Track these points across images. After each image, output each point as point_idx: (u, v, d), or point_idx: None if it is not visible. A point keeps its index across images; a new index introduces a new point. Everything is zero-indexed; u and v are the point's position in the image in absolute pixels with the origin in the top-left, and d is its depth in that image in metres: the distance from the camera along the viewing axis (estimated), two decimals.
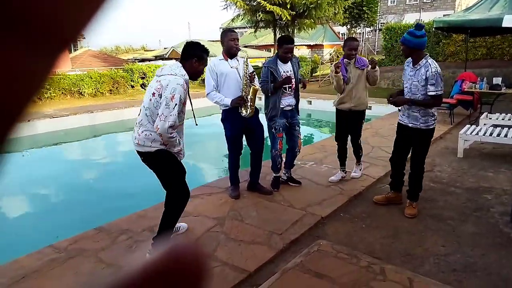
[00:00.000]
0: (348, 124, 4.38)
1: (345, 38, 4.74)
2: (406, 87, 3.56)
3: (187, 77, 2.73)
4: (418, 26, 3.39)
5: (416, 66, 3.43)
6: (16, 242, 4.03)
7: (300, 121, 4.28)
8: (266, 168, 4.61)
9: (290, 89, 4.01)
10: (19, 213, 5.19)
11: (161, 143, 2.70)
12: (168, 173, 2.85)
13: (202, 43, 2.85)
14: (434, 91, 3.34)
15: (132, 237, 3.22)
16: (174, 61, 2.91)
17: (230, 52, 3.75)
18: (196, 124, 3.08)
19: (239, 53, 3.85)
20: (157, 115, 2.63)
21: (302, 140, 4.41)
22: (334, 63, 4.31)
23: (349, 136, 4.49)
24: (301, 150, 5.03)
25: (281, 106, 3.99)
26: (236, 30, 4.05)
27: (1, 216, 5.10)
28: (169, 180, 2.88)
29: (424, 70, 3.36)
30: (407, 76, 3.56)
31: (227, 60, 3.76)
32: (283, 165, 4.36)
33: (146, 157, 2.79)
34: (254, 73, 3.75)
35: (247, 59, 3.73)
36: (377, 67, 4.13)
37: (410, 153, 3.71)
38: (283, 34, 19.24)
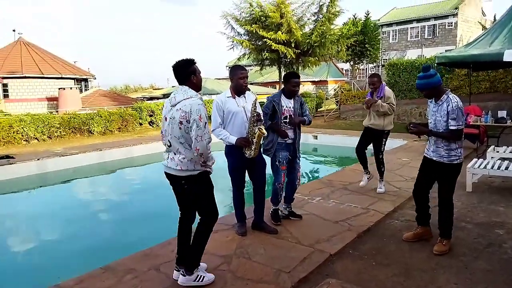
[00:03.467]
0: (368, 139, 5.50)
1: (370, 74, 6.20)
2: (430, 122, 3.63)
3: (199, 95, 2.87)
4: (424, 68, 3.51)
5: (438, 102, 3.52)
6: (22, 281, 3.99)
7: (303, 155, 4.34)
8: (267, 202, 4.59)
9: (288, 124, 4.12)
10: (25, 251, 5.16)
11: (201, 164, 2.84)
12: (207, 195, 2.98)
13: (184, 59, 2.90)
14: (455, 126, 3.40)
15: (138, 276, 3.18)
16: (177, 88, 2.98)
17: (239, 90, 3.78)
18: None
19: (248, 92, 3.89)
20: (190, 139, 2.76)
21: (301, 173, 4.46)
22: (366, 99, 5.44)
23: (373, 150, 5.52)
24: (308, 185, 5.02)
25: (281, 140, 4.09)
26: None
27: (7, 254, 5.08)
28: (207, 202, 2.99)
29: (446, 105, 3.45)
30: (430, 111, 3.64)
31: (234, 98, 3.78)
32: (283, 199, 4.35)
33: (188, 180, 2.87)
34: (261, 115, 3.77)
35: (256, 100, 3.71)
36: (378, 102, 5.20)
37: (438, 189, 3.69)
38: (288, 71, 19.74)
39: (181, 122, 2.75)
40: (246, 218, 4.14)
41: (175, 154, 2.86)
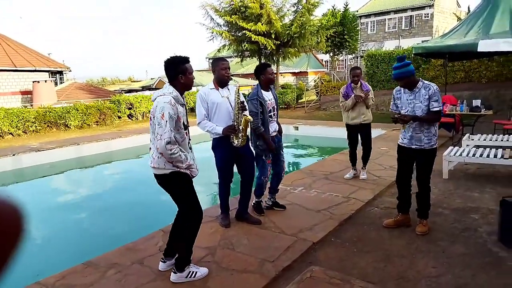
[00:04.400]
0: (361, 135, 5.58)
1: (351, 67, 6.07)
2: (406, 111, 3.72)
3: (175, 93, 2.77)
4: (399, 58, 3.65)
5: (414, 90, 3.64)
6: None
7: (284, 146, 4.38)
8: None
9: (274, 116, 4.15)
10: None
11: (172, 164, 2.75)
12: (181, 195, 2.92)
13: (177, 56, 2.83)
14: (437, 107, 3.57)
15: (121, 271, 3.15)
16: (151, 82, 2.94)
17: (222, 81, 3.78)
18: None
19: (230, 82, 3.90)
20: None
21: (286, 164, 4.51)
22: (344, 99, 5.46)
23: (362, 145, 5.63)
24: (290, 176, 5.05)
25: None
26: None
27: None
28: (183, 202, 2.94)
29: (425, 91, 3.59)
30: (405, 101, 3.73)
31: (218, 89, 3.77)
32: (267, 189, 4.39)
33: (161, 179, 2.84)
34: (245, 103, 3.79)
35: (238, 89, 3.73)
36: (370, 96, 5.37)
37: (415, 173, 3.85)
38: (272, 68, 19.75)
39: (150, 118, 2.78)
40: (230, 210, 4.15)
41: (153, 151, 2.82)
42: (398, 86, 3.81)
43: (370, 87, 5.47)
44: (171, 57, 2.82)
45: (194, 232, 2.99)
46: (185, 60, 2.82)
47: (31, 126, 13.16)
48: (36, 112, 13.53)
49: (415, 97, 3.65)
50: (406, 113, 3.73)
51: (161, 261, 3.12)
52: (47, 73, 22.86)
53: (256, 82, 4.29)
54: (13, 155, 9.12)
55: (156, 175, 2.86)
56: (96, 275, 3.09)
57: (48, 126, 13.69)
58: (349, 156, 5.78)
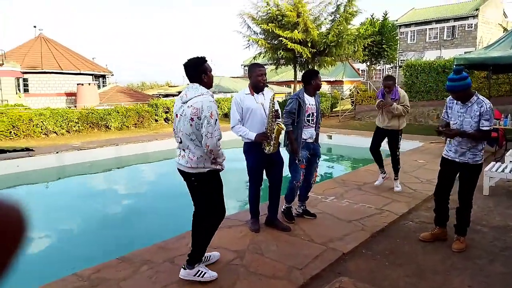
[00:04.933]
0: (381, 138, 5.61)
1: (384, 76, 6.01)
2: (455, 123, 3.61)
3: (210, 92, 2.88)
4: (457, 71, 3.48)
5: (467, 103, 3.50)
6: (41, 269, 4.11)
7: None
8: (281, 200, 4.61)
9: (312, 122, 4.13)
10: (44, 242, 5.30)
11: (211, 162, 2.86)
12: (216, 193, 2.99)
13: (196, 57, 2.89)
14: (487, 126, 3.44)
15: (153, 267, 3.25)
16: (188, 85, 2.99)
17: (257, 87, 3.82)
18: None
19: (266, 88, 3.93)
20: (201, 136, 2.78)
21: (317, 173, 4.47)
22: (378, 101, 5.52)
23: (390, 152, 5.64)
24: (321, 185, 5.00)
25: (303, 137, 4.08)
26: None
27: (27, 244, 5.22)
28: (214, 200, 2.99)
29: (477, 107, 3.45)
30: (455, 113, 3.61)
31: (253, 95, 3.82)
32: (297, 197, 4.37)
33: (198, 177, 2.90)
34: (279, 111, 3.80)
35: (273, 97, 3.76)
36: (394, 105, 5.25)
37: (458, 188, 3.72)
38: (304, 70, 19.65)
39: (192, 119, 2.77)
40: (260, 215, 4.17)
41: (185, 151, 2.88)
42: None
43: (400, 95, 5.37)
44: (190, 58, 2.88)
45: (213, 231, 3.04)
46: (204, 60, 2.89)
47: (74, 126, 13.82)
48: (79, 113, 14.22)
49: (466, 111, 3.50)
50: (454, 125, 3.60)
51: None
52: (91, 77, 23.99)
53: (290, 90, 4.31)
54: (57, 152, 9.61)
55: (192, 174, 2.90)
56: (129, 270, 3.20)
57: (90, 126, 14.33)
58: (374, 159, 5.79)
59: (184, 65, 2.88)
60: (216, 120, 2.76)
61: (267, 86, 3.93)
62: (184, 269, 3.00)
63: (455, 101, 3.61)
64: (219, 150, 2.83)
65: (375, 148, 5.66)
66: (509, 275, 3.14)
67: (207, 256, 3.24)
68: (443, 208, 3.84)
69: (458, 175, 3.71)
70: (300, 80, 4.21)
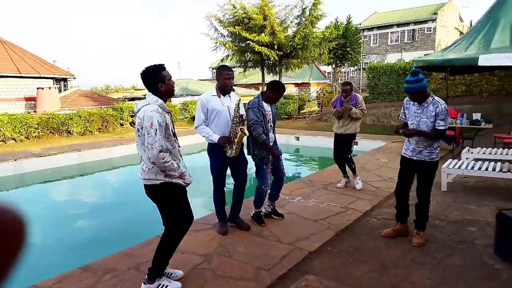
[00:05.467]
0: (342, 144, 5.68)
1: (342, 82, 6.29)
2: (412, 123, 3.75)
3: (160, 101, 2.75)
4: (414, 72, 3.60)
5: (423, 104, 3.64)
6: None
7: (285, 156, 4.41)
8: (251, 203, 4.63)
9: (271, 127, 4.20)
10: None
11: (164, 174, 2.72)
12: (170, 207, 2.85)
13: (152, 66, 2.78)
14: (443, 126, 3.59)
15: (117, 276, 3.17)
16: (146, 93, 2.90)
17: (224, 90, 3.83)
18: None
19: (232, 92, 3.94)
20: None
21: (285, 170, 4.51)
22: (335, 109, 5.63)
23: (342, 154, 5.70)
24: (289, 185, 5.05)
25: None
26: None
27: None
28: (168, 215, 2.87)
29: (433, 107, 3.59)
30: (412, 113, 3.75)
31: (219, 97, 3.83)
32: (267, 196, 4.41)
33: (151, 190, 2.80)
34: (244, 116, 3.83)
35: (239, 102, 3.77)
36: (353, 110, 5.44)
37: (416, 184, 3.87)
38: (274, 78, 19.80)
39: (138, 130, 2.72)
40: (227, 217, 4.17)
41: (142, 163, 2.79)
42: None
43: (360, 99, 5.58)
44: (146, 68, 2.77)
45: (176, 244, 2.92)
46: (161, 67, 2.77)
47: (33, 132, 13.25)
48: (39, 118, 13.64)
49: (423, 111, 3.65)
50: (412, 125, 3.75)
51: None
52: (52, 80, 23.07)
53: (258, 92, 4.35)
54: (15, 160, 9.18)
55: (145, 186, 2.82)
56: (92, 279, 3.11)
57: (50, 132, 13.78)
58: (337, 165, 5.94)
59: (140, 74, 2.77)
60: (157, 130, 2.61)
61: (233, 90, 3.95)
62: (145, 283, 2.89)
63: (412, 102, 3.76)
64: (165, 163, 2.65)
65: (337, 155, 5.81)
66: (465, 268, 3.31)
67: (169, 273, 3.08)
68: (404, 205, 3.99)
69: (416, 173, 3.87)
70: (267, 83, 4.21)
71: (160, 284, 2.89)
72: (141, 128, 2.69)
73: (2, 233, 0.27)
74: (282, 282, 3.09)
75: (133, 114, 16.53)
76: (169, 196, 2.81)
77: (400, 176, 3.99)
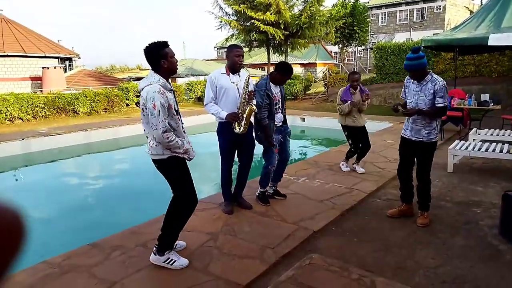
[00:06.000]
0: (360, 136, 5.52)
1: (350, 72, 6.13)
2: (411, 102, 3.74)
3: (162, 80, 2.76)
4: (415, 49, 3.59)
5: (422, 82, 3.62)
6: None
7: (292, 136, 4.42)
8: (256, 183, 4.67)
9: (278, 108, 4.19)
10: None
11: (171, 150, 2.81)
12: (178, 180, 2.96)
13: (156, 42, 2.77)
14: (442, 103, 3.57)
15: (125, 253, 3.23)
16: (149, 71, 2.89)
17: (233, 68, 3.82)
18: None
19: (242, 70, 3.92)
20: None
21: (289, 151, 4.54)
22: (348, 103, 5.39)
23: (362, 146, 5.58)
24: (294, 166, 5.06)
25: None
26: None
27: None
28: (177, 186, 2.97)
29: (431, 85, 3.57)
30: (411, 91, 3.73)
31: (228, 75, 3.83)
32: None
33: (160, 164, 2.88)
34: (254, 92, 3.82)
35: (248, 78, 3.78)
36: (369, 98, 5.31)
37: (416, 166, 3.87)
38: (279, 58, 19.54)
39: (142, 109, 2.76)
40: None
41: (148, 138, 2.87)
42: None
43: (369, 91, 5.45)
44: (149, 43, 2.76)
45: (185, 219, 3.02)
46: (164, 44, 2.77)
47: (40, 112, 13.32)
48: (45, 98, 13.68)
49: (421, 89, 3.64)
50: (410, 103, 3.74)
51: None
52: (57, 60, 23.00)
53: (264, 72, 4.31)
54: (23, 139, 9.26)
55: (154, 160, 2.90)
56: (100, 256, 3.17)
57: (57, 112, 13.84)
58: (351, 153, 5.70)
59: (144, 50, 2.77)
60: (160, 111, 2.65)
61: (243, 66, 3.92)
62: (155, 254, 2.98)
63: (412, 80, 3.73)
64: (170, 142, 2.73)
65: (356, 147, 5.62)
66: (469, 248, 3.33)
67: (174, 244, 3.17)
68: (407, 186, 4.00)
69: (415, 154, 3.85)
70: (273, 63, 4.17)
71: (168, 258, 2.97)
72: (145, 108, 2.72)
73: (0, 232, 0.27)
74: (287, 260, 3.13)
75: (138, 95, 16.52)
76: (178, 170, 2.92)
77: (401, 157, 3.99)
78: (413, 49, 3.62)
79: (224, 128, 3.87)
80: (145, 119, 2.79)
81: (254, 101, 3.85)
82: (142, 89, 2.77)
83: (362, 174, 5.49)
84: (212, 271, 2.92)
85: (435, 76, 3.62)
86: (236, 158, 4.12)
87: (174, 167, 2.90)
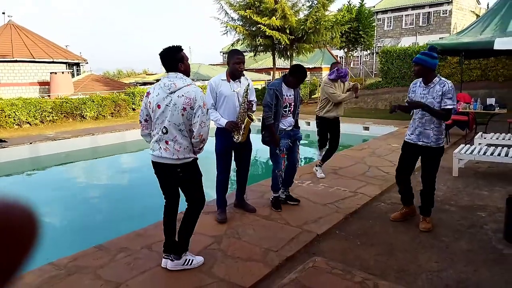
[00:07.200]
0: (333, 130, 5.57)
1: (332, 62, 6.21)
2: None
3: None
4: (433, 48, 3.59)
5: (429, 84, 3.61)
6: None
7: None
8: (265, 187, 4.70)
9: (289, 112, 4.16)
10: None
11: (193, 151, 2.92)
12: (199, 181, 3.03)
13: (172, 46, 2.87)
14: (451, 105, 3.52)
15: (131, 255, 3.27)
16: (165, 75, 2.93)
17: (234, 74, 3.81)
18: None
19: (243, 77, 3.89)
20: (190, 125, 2.80)
21: (300, 155, 4.53)
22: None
23: (332, 141, 5.59)
24: (299, 170, 5.07)
25: (282, 127, 4.11)
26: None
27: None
28: (199, 188, 3.03)
29: (440, 87, 3.55)
30: (418, 95, 3.69)
31: (229, 82, 3.81)
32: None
33: (183, 168, 2.89)
34: (253, 102, 3.78)
35: (247, 88, 3.73)
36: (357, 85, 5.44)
37: (421, 170, 3.86)
38: (285, 63, 19.59)
39: (184, 109, 2.74)
40: (227, 205, 4.14)
41: (168, 143, 2.81)
42: (416, 79, 3.77)
43: (347, 70, 5.53)
44: (166, 48, 2.86)
45: (196, 221, 3.09)
46: (180, 48, 2.89)
47: (48, 116, 13.47)
48: (53, 103, 13.84)
49: (429, 92, 3.61)
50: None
51: (164, 258, 3.06)
52: (65, 65, 23.28)
53: (269, 77, 4.33)
54: (30, 143, 9.38)
55: (176, 165, 2.85)
56: (106, 258, 3.21)
57: (64, 116, 13.99)
58: (321, 150, 5.78)
59: (160, 54, 2.84)
60: (208, 109, 2.84)
61: (243, 74, 3.91)
62: (172, 260, 3.00)
63: (418, 84, 3.72)
64: (208, 137, 2.92)
65: (325, 141, 5.73)
66: (473, 252, 3.32)
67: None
68: (407, 189, 4.00)
69: (420, 158, 3.83)
70: (279, 68, 4.18)
71: (186, 259, 3.02)
72: (190, 108, 2.76)
73: (14, 230, 0.29)
74: (290, 263, 3.15)
75: None
76: (199, 171, 3.02)
77: (401, 161, 3.96)
78: (430, 47, 3.64)
79: (222, 132, 3.86)
80: (180, 120, 2.77)
81: (254, 106, 3.82)
82: (178, 89, 2.76)
83: (366, 178, 5.49)
84: (216, 273, 2.95)
85: (443, 79, 3.61)
86: (233, 164, 4.12)
87: (198, 169, 3.01)
